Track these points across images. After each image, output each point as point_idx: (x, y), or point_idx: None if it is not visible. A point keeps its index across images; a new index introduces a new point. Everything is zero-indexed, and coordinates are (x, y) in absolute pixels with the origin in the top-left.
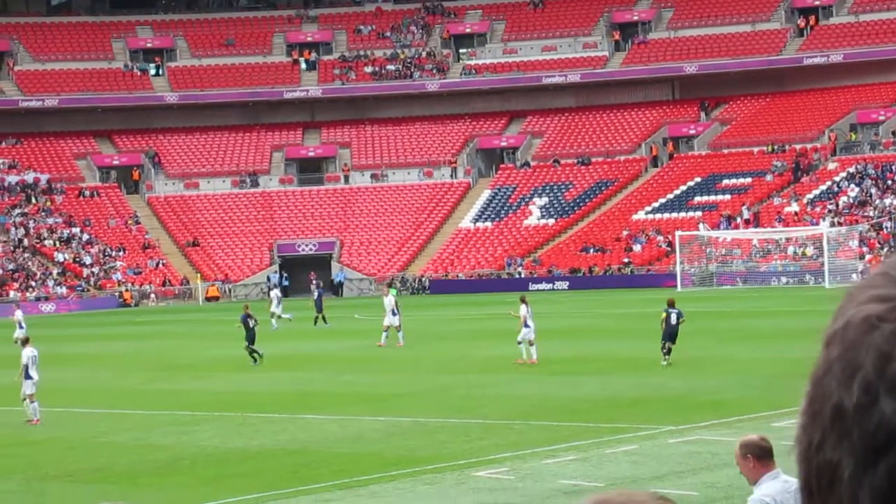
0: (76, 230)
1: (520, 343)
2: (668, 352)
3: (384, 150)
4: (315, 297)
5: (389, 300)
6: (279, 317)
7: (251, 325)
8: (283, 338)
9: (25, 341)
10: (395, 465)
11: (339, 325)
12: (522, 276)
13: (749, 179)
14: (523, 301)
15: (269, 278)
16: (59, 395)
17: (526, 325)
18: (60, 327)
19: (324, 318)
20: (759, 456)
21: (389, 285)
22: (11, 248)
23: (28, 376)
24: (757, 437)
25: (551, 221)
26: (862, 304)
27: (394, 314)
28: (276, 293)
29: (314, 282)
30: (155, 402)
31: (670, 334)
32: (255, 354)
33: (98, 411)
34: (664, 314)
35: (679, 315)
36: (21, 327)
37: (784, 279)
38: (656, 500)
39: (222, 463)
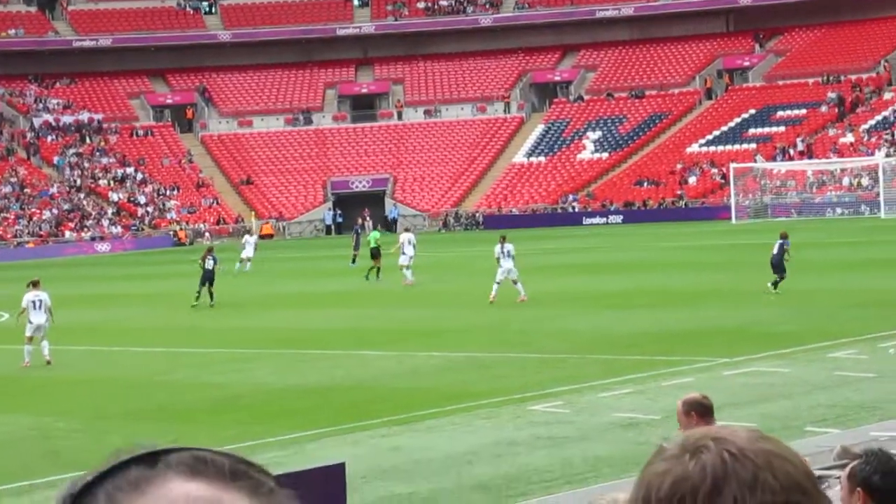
0: (130, 170)
1: (498, 282)
2: (774, 283)
3: (437, 86)
4: (353, 237)
5: (408, 236)
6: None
7: (210, 266)
8: (337, 275)
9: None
10: (452, 400)
11: (391, 261)
12: (576, 210)
13: (804, 111)
14: (406, 230)
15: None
16: (116, 335)
17: (403, 252)
18: (116, 266)
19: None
20: (702, 413)
21: (406, 229)
22: (66, 188)
23: (29, 320)
24: (699, 394)
25: (605, 155)
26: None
27: (403, 253)
28: (252, 239)
29: (367, 218)
30: (211, 339)
31: (772, 264)
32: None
33: (155, 350)
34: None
35: (781, 245)
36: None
37: (839, 210)
38: (757, 438)
39: (279, 399)
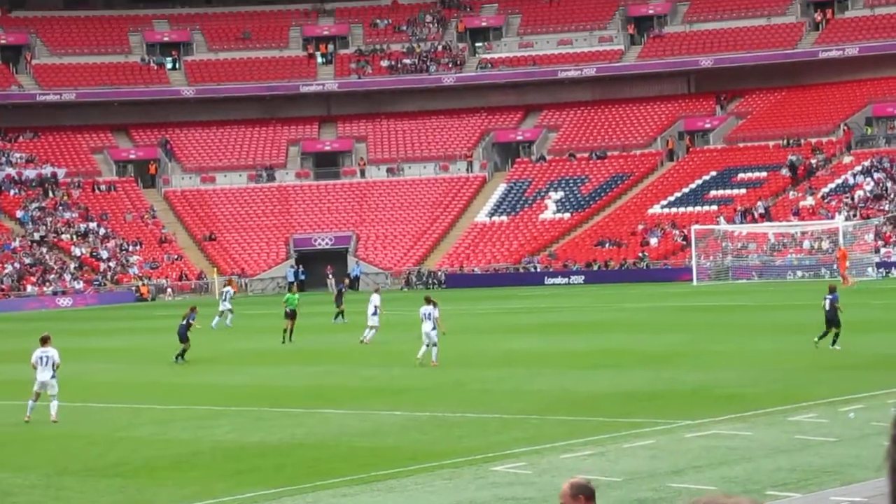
0: (93, 224)
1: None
2: (833, 338)
3: (400, 143)
4: (336, 293)
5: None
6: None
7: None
8: (300, 332)
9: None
10: (413, 460)
11: (356, 320)
12: (538, 270)
13: (765, 173)
14: (376, 291)
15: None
16: (77, 390)
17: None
18: (78, 321)
19: (342, 313)
20: (588, 497)
21: (376, 290)
22: (29, 242)
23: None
24: (583, 478)
25: (567, 215)
26: None
27: (374, 314)
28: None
29: (330, 276)
30: (173, 396)
31: (828, 320)
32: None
33: (116, 406)
34: (823, 301)
35: (832, 300)
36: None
37: (800, 273)
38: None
39: (240, 457)
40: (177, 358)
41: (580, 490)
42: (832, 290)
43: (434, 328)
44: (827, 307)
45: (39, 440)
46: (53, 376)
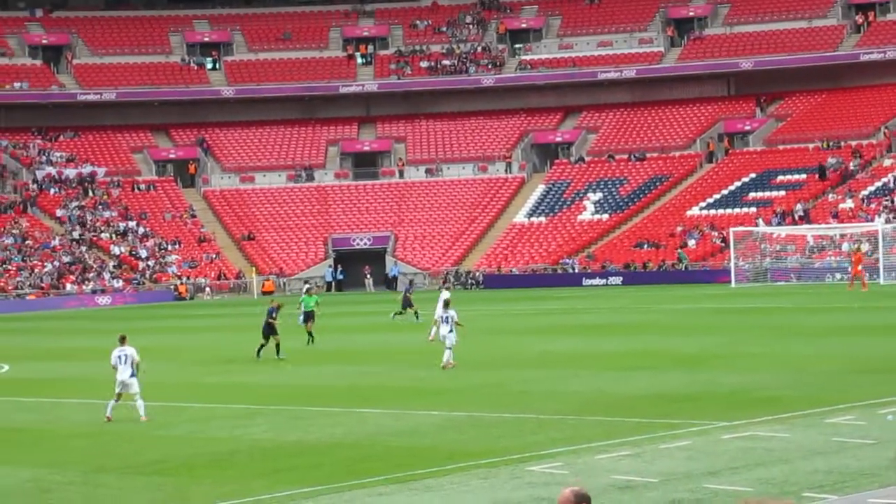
0: (132, 223)
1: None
2: None
3: (439, 144)
4: (402, 298)
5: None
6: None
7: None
8: (338, 331)
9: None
10: (450, 460)
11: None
12: (576, 271)
13: (804, 176)
14: (447, 289)
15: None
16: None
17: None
18: (116, 320)
19: (416, 313)
20: None
21: (446, 288)
22: (68, 240)
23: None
24: (581, 488)
25: (605, 217)
26: None
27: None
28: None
29: (368, 276)
30: (211, 395)
31: None
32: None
33: (155, 404)
34: None
35: None
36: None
37: (838, 275)
38: None
39: (277, 456)
40: (278, 352)
41: (583, 498)
42: None
43: (451, 330)
44: None
45: (77, 437)
46: (133, 375)
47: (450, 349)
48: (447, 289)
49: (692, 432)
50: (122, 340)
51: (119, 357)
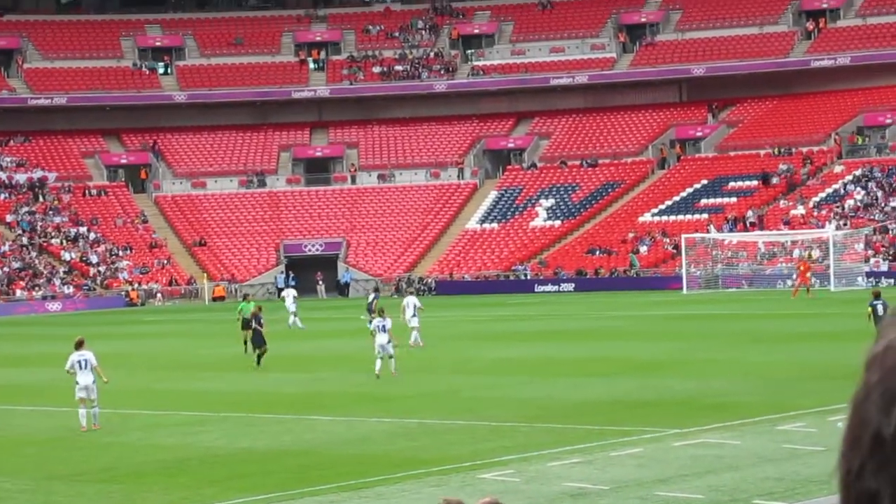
0: (83, 229)
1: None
2: None
3: (391, 150)
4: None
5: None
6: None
7: (257, 327)
8: (290, 338)
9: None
10: (401, 467)
11: (345, 326)
12: (528, 277)
13: (755, 182)
14: (411, 293)
15: (276, 278)
16: (65, 395)
17: (413, 314)
18: (67, 326)
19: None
20: None
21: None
22: (18, 246)
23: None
24: (492, 498)
25: (557, 223)
26: None
27: (414, 315)
28: (290, 292)
29: (320, 282)
30: (161, 401)
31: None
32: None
33: (105, 411)
34: (870, 308)
35: (885, 305)
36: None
37: (789, 282)
38: None
39: (228, 463)
40: (258, 362)
41: None
42: (878, 296)
43: (389, 341)
44: (880, 312)
45: (28, 445)
46: (94, 380)
47: (392, 357)
48: (411, 293)
49: (644, 439)
50: (80, 345)
51: (79, 362)
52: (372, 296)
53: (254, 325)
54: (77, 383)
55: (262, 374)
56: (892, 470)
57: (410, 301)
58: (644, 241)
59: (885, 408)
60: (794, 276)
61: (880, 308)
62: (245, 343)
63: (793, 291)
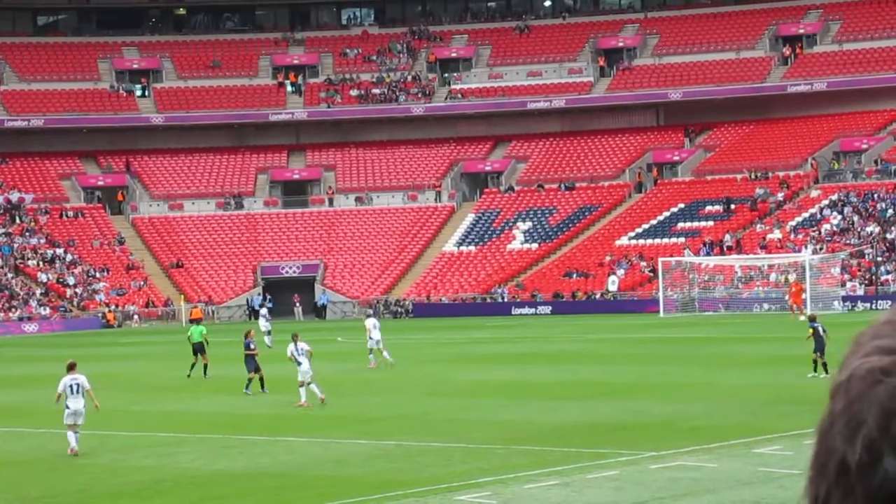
0: (60, 251)
1: (370, 351)
2: (825, 366)
3: (369, 173)
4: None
5: (373, 321)
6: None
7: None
8: (266, 360)
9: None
10: (378, 489)
11: (322, 348)
12: (505, 300)
13: (732, 206)
14: (369, 315)
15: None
16: (40, 416)
17: (370, 337)
18: (43, 347)
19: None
20: None
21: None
22: None
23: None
24: None
25: (535, 246)
26: (867, 356)
27: (370, 337)
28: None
29: (297, 304)
30: (137, 423)
31: (823, 347)
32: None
33: (81, 433)
34: (812, 329)
35: (824, 328)
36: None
37: (766, 305)
38: None
39: (205, 485)
40: (262, 387)
41: None
42: (815, 319)
43: (309, 366)
44: (821, 333)
45: (3, 466)
46: (85, 405)
47: (312, 384)
48: (369, 315)
49: (620, 462)
50: (72, 368)
51: (71, 386)
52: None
53: (246, 350)
54: (67, 408)
55: (239, 396)
56: (856, 498)
57: (371, 323)
58: (621, 265)
59: (850, 436)
60: (787, 299)
61: (821, 329)
62: (192, 367)
63: (796, 314)
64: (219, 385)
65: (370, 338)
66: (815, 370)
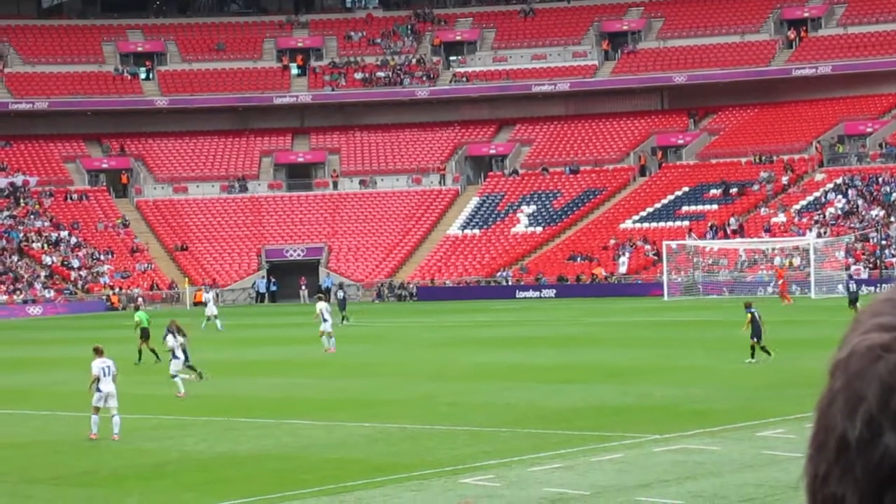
0: (64, 233)
1: (321, 335)
2: (765, 349)
3: (373, 156)
4: (339, 300)
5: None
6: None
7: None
8: (270, 342)
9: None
10: (381, 472)
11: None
12: (509, 283)
13: (736, 189)
14: (320, 299)
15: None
16: (45, 398)
17: (324, 319)
18: (47, 330)
19: (346, 317)
20: None
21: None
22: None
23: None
24: (466, 501)
25: (539, 229)
26: (866, 333)
27: (324, 320)
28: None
29: (303, 287)
30: (141, 406)
31: (760, 333)
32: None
33: (84, 415)
34: (749, 315)
35: (760, 315)
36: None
37: (770, 289)
38: None
39: (208, 468)
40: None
41: None
42: (750, 305)
43: (186, 358)
44: (759, 319)
45: (7, 448)
46: (115, 389)
47: (186, 376)
48: (320, 299)
49: (624, 445)
50: (101, 352)
51: (103, 369)
52: (341, 293)
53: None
54: (99, 391)
55: (243, 379)
56: (856, 474)
57: (322, 307)
58: (625, 248)
59: (850, 413)
60: (775, 283)
61: (756, 314)
62: (139, 352)
63: (786, 299)
64: (222, 368)
65: (324, 320)
66: (753, 356)
